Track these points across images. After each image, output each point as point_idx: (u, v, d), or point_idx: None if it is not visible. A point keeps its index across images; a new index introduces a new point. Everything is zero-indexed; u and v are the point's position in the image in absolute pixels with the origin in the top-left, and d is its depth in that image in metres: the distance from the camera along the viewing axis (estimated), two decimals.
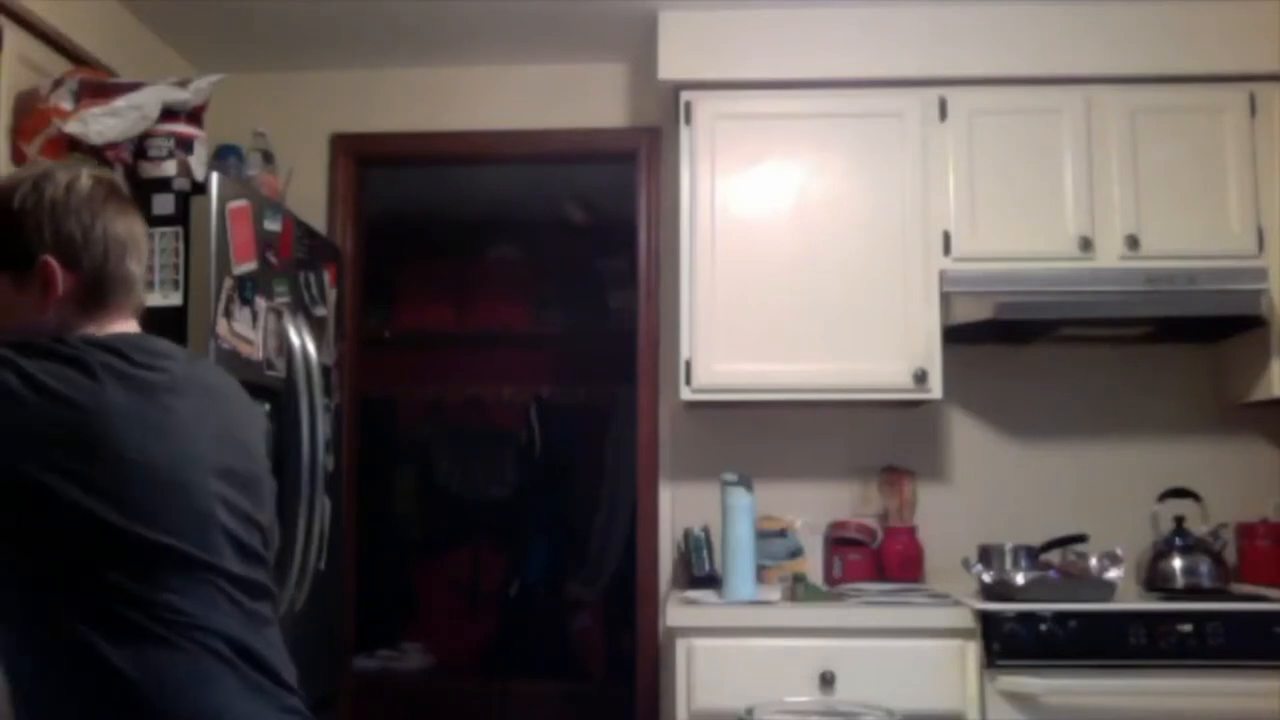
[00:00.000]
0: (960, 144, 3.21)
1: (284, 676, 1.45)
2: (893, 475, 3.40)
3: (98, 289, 1.50)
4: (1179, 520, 3.11)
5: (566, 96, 3.67)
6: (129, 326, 1.54)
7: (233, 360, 2.58)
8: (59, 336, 1.43)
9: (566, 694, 4.89)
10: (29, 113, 2.72)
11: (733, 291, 3.18)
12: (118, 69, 3.06)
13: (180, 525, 1.38)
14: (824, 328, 3.16)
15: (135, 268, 1.55)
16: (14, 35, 2.71)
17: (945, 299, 3.16)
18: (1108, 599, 2.84)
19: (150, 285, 1.70)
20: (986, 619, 2.78)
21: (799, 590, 3.01)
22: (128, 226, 1.54)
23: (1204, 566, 3.04)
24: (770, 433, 3.45)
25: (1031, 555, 3.04)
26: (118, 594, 1.33)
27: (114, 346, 1.43)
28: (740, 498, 3.01)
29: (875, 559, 3.33)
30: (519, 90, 3.69)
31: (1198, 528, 3.11)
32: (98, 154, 2.71)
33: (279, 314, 2.90)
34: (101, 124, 2.68)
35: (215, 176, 2.65)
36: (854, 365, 3.16)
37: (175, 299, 2.54)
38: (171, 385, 1.45)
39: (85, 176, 1.53)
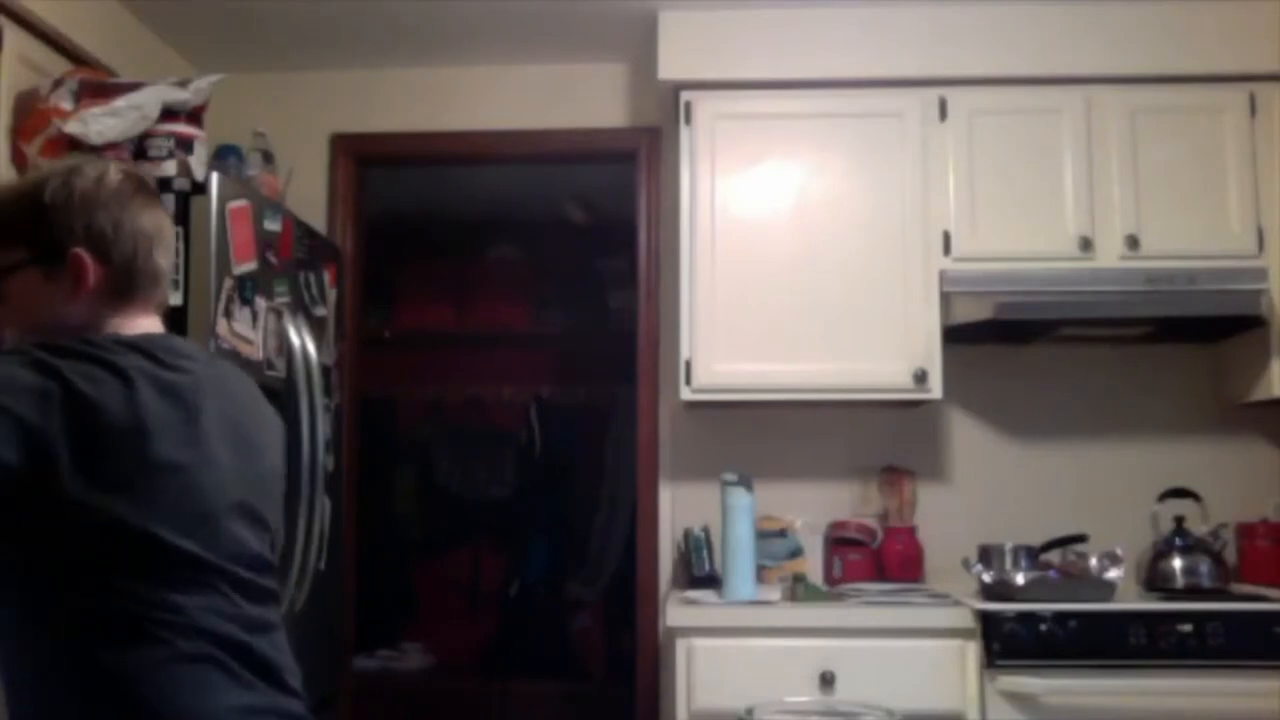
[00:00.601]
0: (960, 144, 3.21)
1: (288, 680, 1.45)
2: (893, 475, 3.40)
3: (127, 283, 1.50)
4: (1179, 520, 3.11)
5: (566, 96, 3.67)
6: (153, 322, 1.54)
7: (233, 360, 2.58)
8: (88, 338, 1.43)
9: (566, 694, 4.89)
10: (29, 113, 2.72)
11: (733, 291, 3.18)
12: (118, 69, 3.06)
13: (192, 528, 1.37)
14: (824, 328, 3.16)
15: (163, 261, 1.55)
16: (14, 35, 2.71)
17: (945, 299, 3.16)
18: (1108, 599, 2.84)
19: None
20: (986, 619, 2.78)
21: (799, 590, 3.01)
22: (155, 220, 1.55)
23: (1204, 566, 3.04)
24: (770, 433, 3.45)
25: (1031, 555, 3.04)
26: (122, 595, 1.33)
27: (142, 347, 1.43)
28: (740, 498, 3.01)
29: (875, 559, 3.33)
30: (519, 90, 3.69)
31: (1198, 528, 3.11)
32: (98, 154, 2.71)
33: (279, 314, 2.90)
34: (101, 124, 2.69)
35: (215, 176, 2.65)
36: (854, 365, 3.16)
37: (175, 299, 2.54)
38: (195, 386, 1.44)
39: (114, 170, 1.53)
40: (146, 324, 1.52)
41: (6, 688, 1.39)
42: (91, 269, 1.47)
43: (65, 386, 1.32)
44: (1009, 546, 3.04)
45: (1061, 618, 2.76)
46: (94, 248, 1.47)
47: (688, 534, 3.32)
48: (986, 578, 2.90)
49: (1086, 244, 3.15)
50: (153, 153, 2.73)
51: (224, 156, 3.14)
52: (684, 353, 3.19)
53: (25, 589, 1.36)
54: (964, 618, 2.81)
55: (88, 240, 1.47)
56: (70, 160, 1.59)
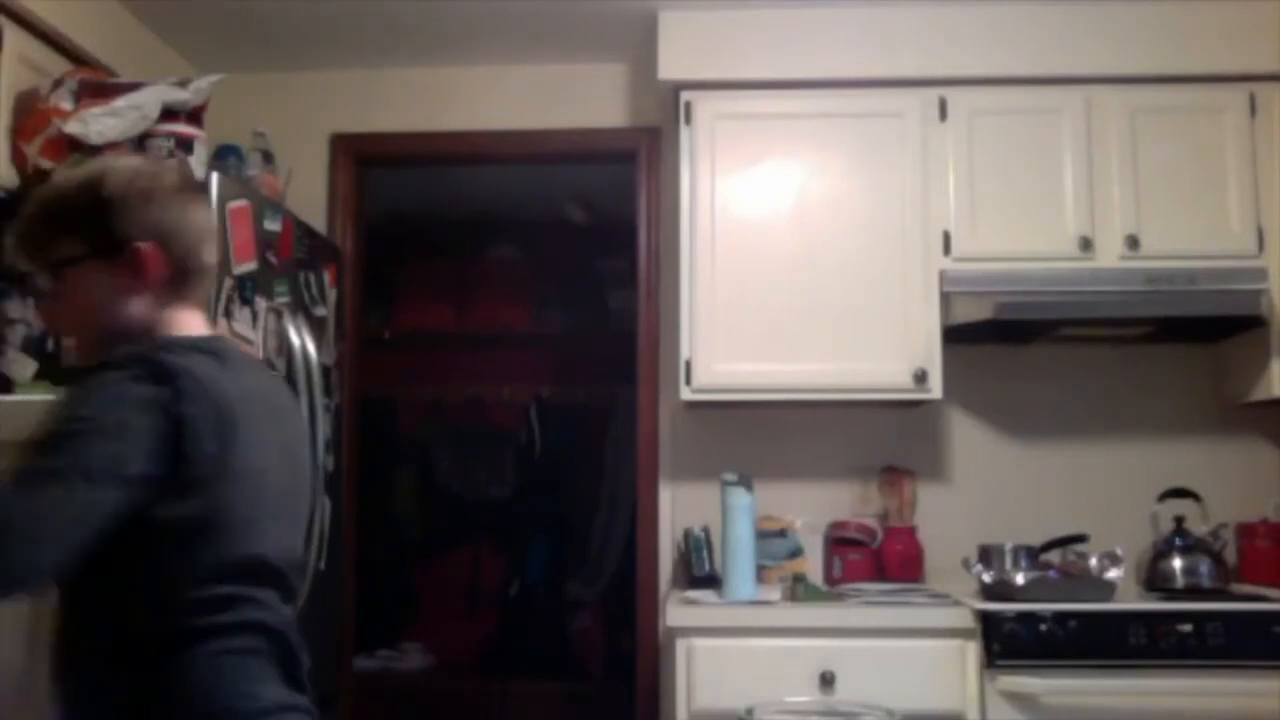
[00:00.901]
0: (960, 144, 3.20)
1: (304, 677, 1.49)
2: (893, 475, 3.40)
3: (182, 279, 1.52)
4: (1179, 520, 3.11)
5: (566, 96, 3.67)
6: (202, 321, 1.56)
7: None
8: (163, 343, 1.45)
9: (566, 694, 4.89)
10: (29, 113, 2.72)
11: (733, 291, 3.18)
12: (118, 69, 3.06)
13: (257, 529, 1.42)
14: (824, 328, 3.16)
15: (211, 259, 1.58)
16: (14, 35, 2.71)
17: (945, 299, 3.16)
18: (1108, 599, 2.84)
19: None
20: (986, 619, 2.78)
21: (799, 590, 3.01)
22: (205, 218, 1.58)
23: (1204, 566, 3.04)
24: (770, 433, 3.45)
25: (1031, 555, 3.04)
26: (184, 593, 1.36)
27: (207, 349, 1.47)
28: (740, 498, 3.01)
29: (875, 559, 3.33)
30: (519, 90, 3.69)
31: (1198, 528, 3.11)
32: (98, 154, 2.71)
33: (279, 314, 2.90)
34: (101, 124, 2.69)
35: (215, 176, 2.65)
36: (854, 365, 3.16)
37: None
38: (253, 390, 1.49)
39: (168, 167, 1.58)
40: (197, 322, 1.55)
41: (59, 695, 1.41)
42: (156, 263, 1.48)
43: (158, 395, 1.35)
44: (1009, 546, 3.04)
45: (1061, 618, 2.76)
46: (156, 243, 1.49)
47: (688, 534, 3.32)
48: (986, 578, 2.90)
49: (1086, 244, 3.15)
50: (153, 153, 2.73)
51: (224, 156, 3.14)
52: (684, 353, 3.19)
53: (86, 593, 1.37)
54: (964, 618, 2.81)
55: (148, 235, 1.48)
56: (129, 157, 1.61)
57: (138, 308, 1.48)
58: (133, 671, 1.36)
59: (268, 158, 3.27)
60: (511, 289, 5.35)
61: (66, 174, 1.60)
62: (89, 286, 1.48)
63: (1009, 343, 3.40)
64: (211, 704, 1.36)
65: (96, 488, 1.29)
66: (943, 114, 3.22)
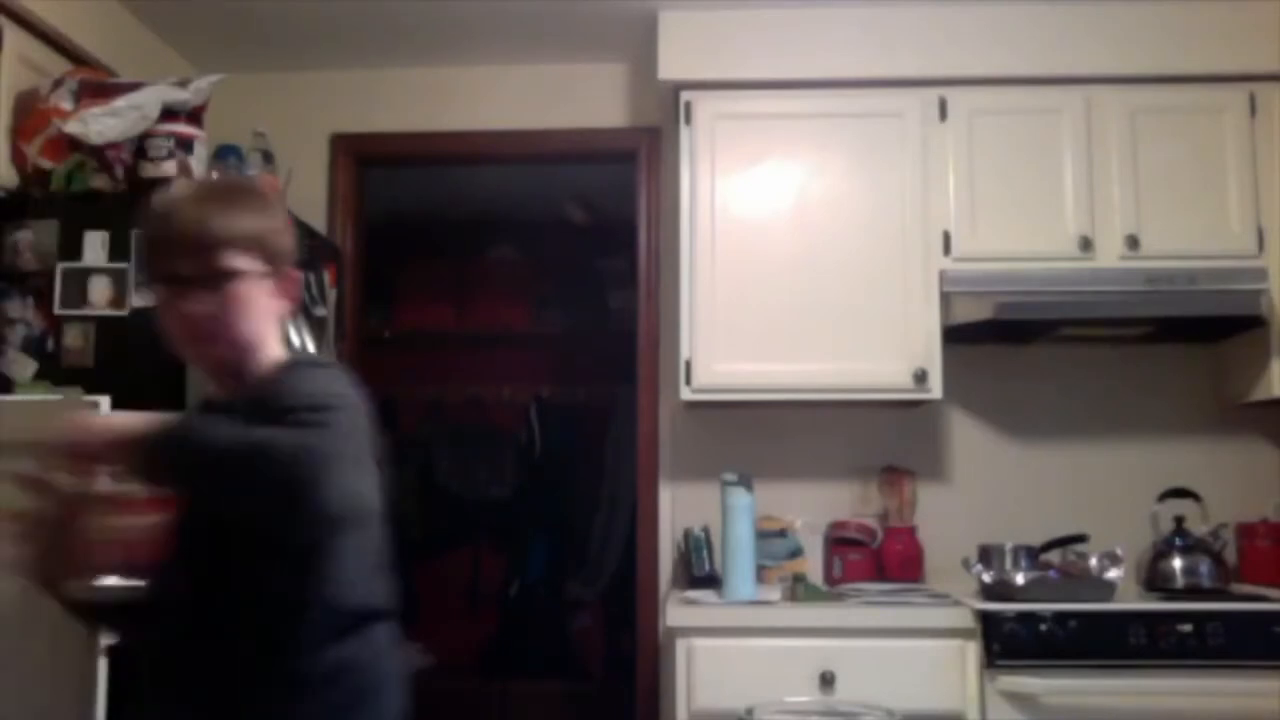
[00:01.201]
0: (960, 144, 3.21)
1: None
2: (893, 475, 3.40)
3: (293, 299, 1.60)
4: (1179, 520, 3.11)
5: (566, 96, 3.68)
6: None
7: None
8: (317, 360, 1.57)
9: (566, 694, 4.90)
10: (29, 113, 2.73)
11: (733, 291, 3.18)
12: (118, 69, 3.06)
13: (378, 529, 1.51)
14: (824, 328, 3.16)
15: None
16: (14, 35, 2.71)
17: (945, 299, 3.16)
18: (1108, 599, 2.84)
19: None
20: (986, 619, 2.78)
21: (799, 590, 3.01)
22: None
23: (1204, 566, 3.04)
24: (770, 433, 3.45)
25: (1031, 555, 3.04)
26: (362, 593, 1.52)
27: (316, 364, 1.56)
28: (740, 498, 3.01)
29: (875, 559, 3.33)
30: (519, 90, 3.69)
31: (1198, 528, 3.11)
32: (98, 154, 2.71)
33: None
34: (101, 124, 2.69)
35: (215, 177, 2.64)
36: (854, 365, 3.16)
37: None
38: None
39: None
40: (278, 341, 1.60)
41: (182, 679, 1.47)
42: (298, 287, 1.57)
43: (335, 409, 1.39)
44: (1009, 546, 3.04)
45: (1061, 618, 2.75)
46: (293, 265, 1.57)
47: (688, 534, 3.32)
48: (986, 578, 2.90)
49: (1086, 244, 3.15)
50: (153, 153, 2.73)
51: (224, 156, 3.14)
52: (684, 353, 3.19)
53: (249, 579, 1.41)
54: (964, 618, 2.81)
55: (291, 259, 1.56)
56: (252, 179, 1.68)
57: (266, 325, 1.53)
58: (292, 659, 1.44)
59: (268, 158, 3.27)
60: (511, 289, 5.35)
61: (239, 188, 1.70)
62: (245, 301, 1.49)
63: (1009, 343, 3.40)
64: (364, 693, 1.54)
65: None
66: (943, 114, 3.22)
